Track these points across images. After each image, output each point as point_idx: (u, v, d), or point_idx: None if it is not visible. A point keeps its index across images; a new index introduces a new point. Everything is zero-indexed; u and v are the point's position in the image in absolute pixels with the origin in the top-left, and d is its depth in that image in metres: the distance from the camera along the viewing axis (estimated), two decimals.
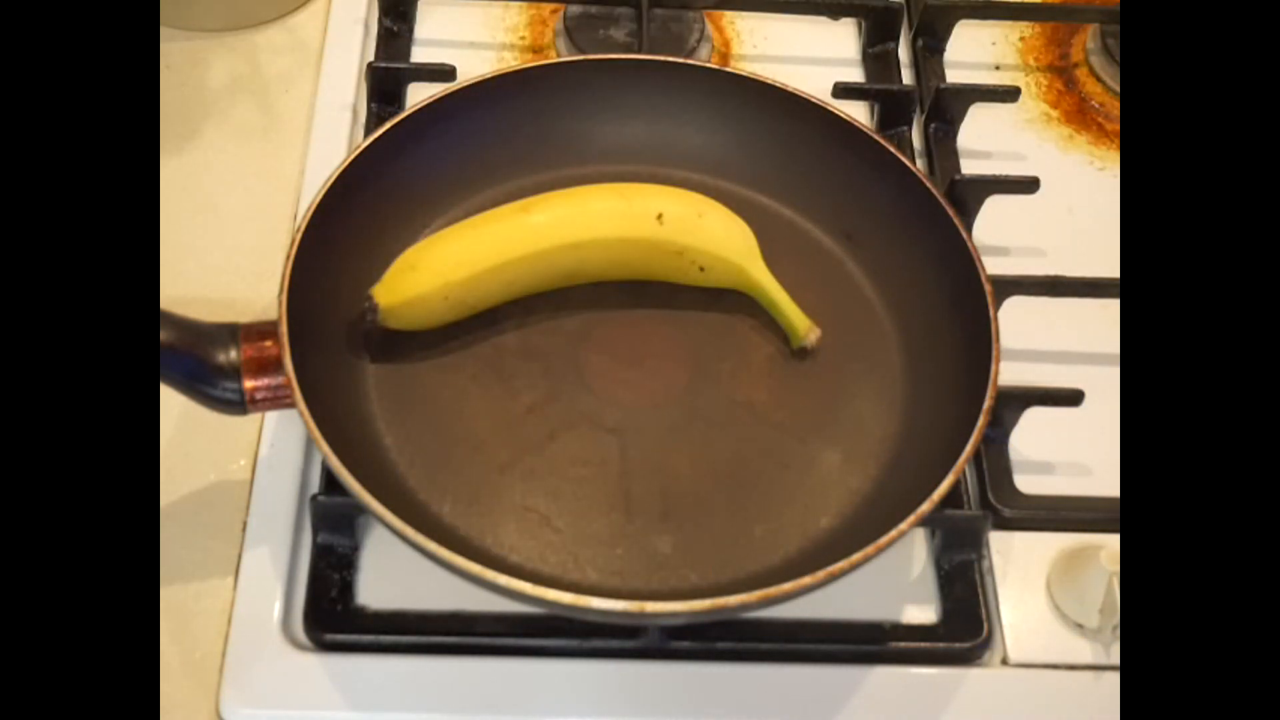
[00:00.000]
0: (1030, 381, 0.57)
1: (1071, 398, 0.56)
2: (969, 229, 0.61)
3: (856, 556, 0.46)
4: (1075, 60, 0.75)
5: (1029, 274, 0.60)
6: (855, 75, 0.73)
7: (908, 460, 0.54)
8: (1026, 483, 0.57)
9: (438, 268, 0.55)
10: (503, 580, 0.45)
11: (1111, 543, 0.54)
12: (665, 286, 0.58)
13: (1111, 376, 0.59)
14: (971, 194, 0.64)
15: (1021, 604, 0.54)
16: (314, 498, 0.53)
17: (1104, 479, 0.58)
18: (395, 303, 0.54)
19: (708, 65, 0.64)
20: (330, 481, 0.52)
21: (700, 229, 0.57)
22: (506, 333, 0.57)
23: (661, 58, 0.64)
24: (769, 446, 0.54)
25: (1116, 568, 0.51)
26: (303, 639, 0.52)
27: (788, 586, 0.45)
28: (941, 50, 0.74)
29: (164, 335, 0.48)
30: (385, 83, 0.68)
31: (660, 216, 0.56)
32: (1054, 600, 0.54)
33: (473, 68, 0.65)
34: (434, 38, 0.73)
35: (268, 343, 0.50)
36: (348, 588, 0.53)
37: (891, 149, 0.59)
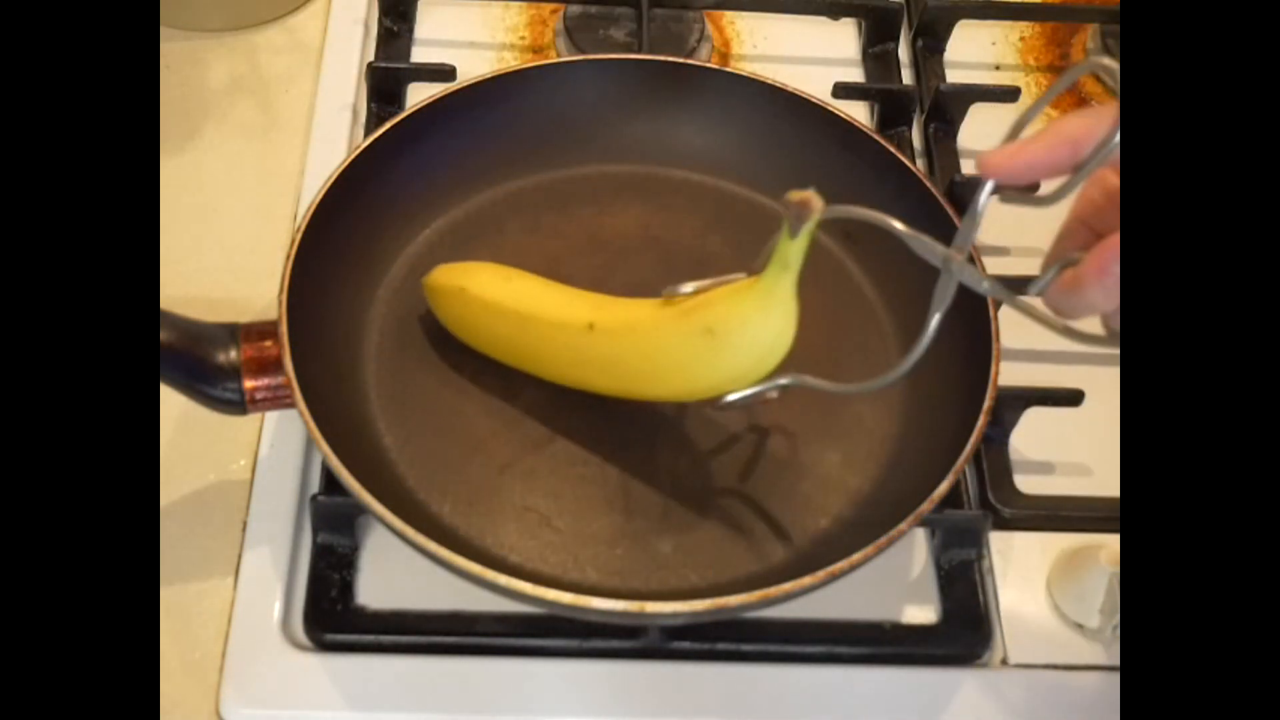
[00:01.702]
0: (1030, 381, 0.57)
1: (1071, 398, 0.56)
2: None
3: (856, 556, 0.46)
4: (1075, 60, 0.75)
5: (1029, 274, 0.60)
6: (855, 75, 0.73)
7: (908, 460, 0.54)
8: (1026, 483, 0.57)
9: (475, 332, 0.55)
10: (503, 580, 0.45)
11: (1111, 543, 0.54)
12: (665, 287, 0.58)
13: (1111, 376, 0.59)
14: (971, 194, 0.64)
15: (1021, 604, 0.54)
16: (314, 498, 0.53)
17: (1104, 479, 0.58)
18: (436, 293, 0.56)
19: (708, 65, 0.64)
20: (330, 481, 0.52)
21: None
22: None
23: (661, 58, 0.64)
24: (769, 447, 0.54)
25: (1116, 568, 0.51)
26: (303, 639, 0.52)
27: (788, 586, 0.45)
28: (941, 50, 0.74)
29: (164, 335, 0.48)
30: (385, 83, 0.68)
31: (710, 330, 0.48)
32: (1054, 600, 0.54)
33: (473, 68, 0.65)
34: (434, 38, 0.73)
35: (268, 343, 0.50)
36: (348, 588, 0.53)
37: (891, 149, 0.59)
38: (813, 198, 0.43)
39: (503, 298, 0.54)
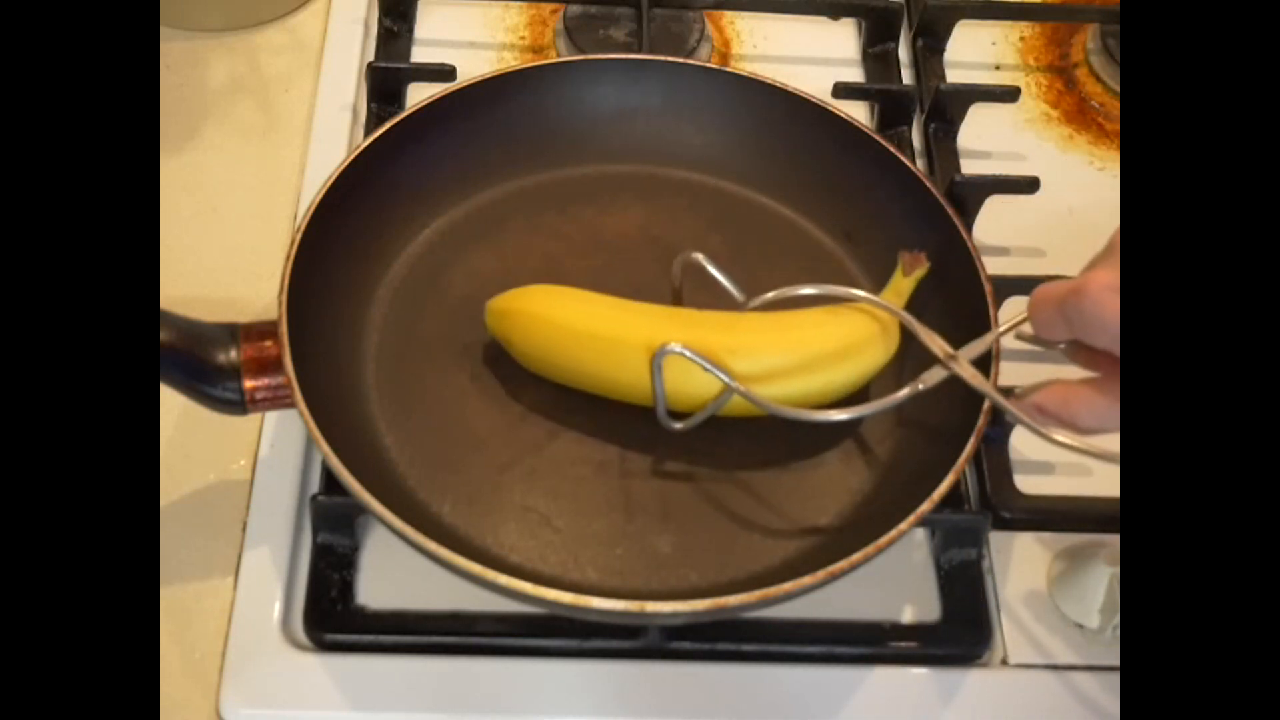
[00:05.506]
0: (1030, 381, 0.56)
1: None
2: (969, 229, 0.61)
3: (856, 556, 0.46)
4: (1075, 60, 0.75)
5: (1029, 274, 0.60)
6: (855, 75, 0.73)
7: (908, 460, 0.54)
8: (1026, 483, 0.57)
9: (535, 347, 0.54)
10: (503, 580, 0.45)
11: (1111, 543, 0.54)
12: (665, 286, 0.58)
13: None
14: (971, 194, 0.64)
15: (1021, 604, 0.54)
16: (314, 498, 0.53)
17: (1104, 479, 0.58)
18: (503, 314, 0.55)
19: (708, 65, 0.64)
20: (330, 481, 0.52)
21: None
22: None
23: (661, 58, 0.64)
24: (769, 446, 0.54)
25: (1116, 568, 0.51)
26: (303, 639, 0.52)
27: (788, 586, 0.45)
28: (941, 50, 0.74)
29: (164, 335, 0.48)
30: (385, 83, 0.68)
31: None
32: (1054, 600, 0.54)
33: (473, 68, 0.65)
34: (434, 38, 0.73)
35: (268, 343, 0.50)
36: (348, 588, 0.53)
37: (891, 149, 0.59)
38: (923, 258, 0.55)
39: (615, 331, 0.53)
